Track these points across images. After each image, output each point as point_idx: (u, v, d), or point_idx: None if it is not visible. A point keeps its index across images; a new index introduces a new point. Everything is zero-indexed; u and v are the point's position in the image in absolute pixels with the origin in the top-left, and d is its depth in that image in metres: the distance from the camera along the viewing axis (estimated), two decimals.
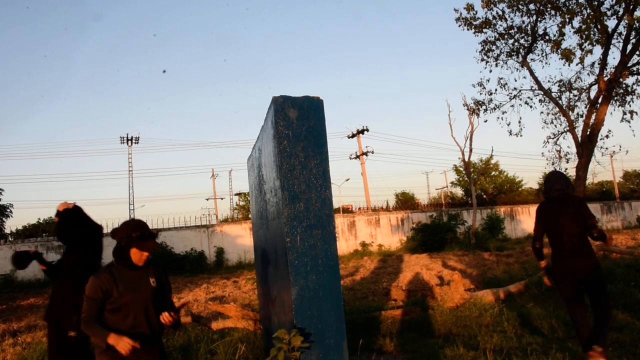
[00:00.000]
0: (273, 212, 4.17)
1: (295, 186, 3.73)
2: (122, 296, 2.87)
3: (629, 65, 9.14)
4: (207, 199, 48.42)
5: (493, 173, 44.35)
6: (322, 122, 3.89)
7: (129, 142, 35.27)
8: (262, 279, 5.82)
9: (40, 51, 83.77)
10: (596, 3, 8.97)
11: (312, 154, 3.81)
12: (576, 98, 10.63)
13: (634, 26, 8.77)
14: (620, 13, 8.90)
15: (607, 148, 10.52)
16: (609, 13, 9.20)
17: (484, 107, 11.31)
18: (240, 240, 24.63)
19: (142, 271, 3.05)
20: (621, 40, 9.20)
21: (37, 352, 5.36)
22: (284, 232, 3.69)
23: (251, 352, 5.10)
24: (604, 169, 53.08)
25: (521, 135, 11.33)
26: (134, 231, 2.96)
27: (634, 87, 10.03)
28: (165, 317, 2.95)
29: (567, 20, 8.47)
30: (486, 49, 10.72)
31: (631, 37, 8.96)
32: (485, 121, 12.89)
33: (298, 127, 3.80)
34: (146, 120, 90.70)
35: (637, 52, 9.10)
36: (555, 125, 11.07)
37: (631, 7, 8.29)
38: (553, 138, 11.06)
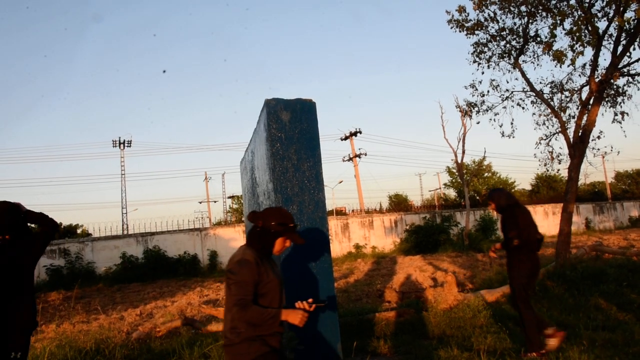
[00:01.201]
0: None
1: (289, 189, 3.72)
2: (271, 281, 2.77)
3: (619, 66, 9.20)
4: (200, 202, 48.33)
5: (486, 174, 44.53)
6: (315, 124, 3.88)
7: (121, 145, 35.12)
8: None
9: (40, 52, 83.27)
10: (587, 5, 9.02)
11: (304, 156, 3.81)
12: (568, 99, 10.68)
13: (625, 27, 8.82)
14: (611, 15, 8.96)
15: (598, 149, 10.58)
16: (599, 15, 9.27)
17: (476, 108, 11.35)
18: (234, 243, 24.56)
19: (272, 260, 2.96)
20: (612, 42, 9.25)
21: (28, 358, 5.28)
22: None
23: None
24: (595, 170, 53.44)
25: (513, 137, 11.41)
26: (291, 221, 2.88)
27: (625, 88, 10.12)
28: (305, 304, 2.88)
29: (558, 22, 8.51)
30: (478, 50, 10.76)
31: (621, 39, 9.01)
32: (478, 123, 12.90)
33: (291, 130, 3.80)
34: (146, 121, 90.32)
35: (628, 54, 9.16)
36: (547, 127, 11.12)
37: (621, 8, 8.34)
38: (545, 139, 11.10)
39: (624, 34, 9.07)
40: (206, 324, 6.65)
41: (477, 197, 42.15)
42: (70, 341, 5.55)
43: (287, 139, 3.82)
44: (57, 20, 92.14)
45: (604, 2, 9.06)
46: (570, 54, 8.79)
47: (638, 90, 9.93)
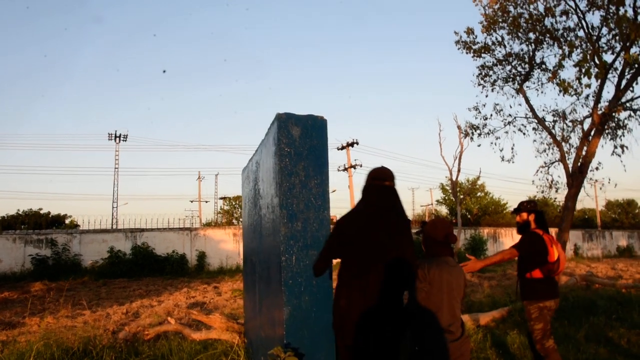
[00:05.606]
0: (268, 228, 4.13)
1: (294, 205, 3.69)
2: None
3: (622, 100, 9.28)
4: (192, 201, 48.09)
5: (479, 194, 44.66)
6: (325, 142, 3.86)
7: (117, 139, 34.96)
8: (250, 291, 5.75)
9: (40, 51, 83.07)
10: (595, 37, 9.11)
11: (312, 173, 3.78)
12: (570, 129, 10.76)
13: (630, 62, 8.91)
14: (618, 48, 9.05)
15: (596, 180, 10.67)
16: (605, 47, 9.36)
17: (478, 131, 11.40)
18: (223, 245, 24.45)
19: None
20: (616, 75, 9.34)
21: (14, 355, 5.19)
22: (279, 250, 3.65)
23: None
24: (587, 196, 53.74)
25: (513, 162, 11.49)
26: None
27: (626, 121, 10.19)
28: None
29: (567, 53, 8.57)
30: (483, 73, 10.83)
31: (626, 73, 9.11)
32: (479, 145, 13.14)
33: (300, 146, 3.77)
34: (145, 119, 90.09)
35: (631, 88, 9.24)
36: (548, 155, 11.18)
37: (627, 44, 8.42)
38: (545, 167, 11.17)
39: (628, 69, 9.16)
40: (196, 330, 6.57)
41: (469, 216, 42.27)
42: (57, 340, 5.47)
43: (296, 155, 3.79)
44: (58, 20, 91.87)
45: (610, 36, 9.16)
46: (576, 85, 8.86)
47: (639, 125, 10.02)
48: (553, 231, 23.16)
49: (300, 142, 3.78)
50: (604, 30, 9.10)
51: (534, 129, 11.09)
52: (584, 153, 9.59)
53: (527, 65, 10.32)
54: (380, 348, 3.30)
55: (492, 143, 11.35)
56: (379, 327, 3.27)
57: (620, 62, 9.24)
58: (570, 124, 10.71)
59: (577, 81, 8.96)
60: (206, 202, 52.42)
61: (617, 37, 8.81)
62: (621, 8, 7.97)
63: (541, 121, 10.50)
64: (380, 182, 3.52)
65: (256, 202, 4.90)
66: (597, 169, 10.55)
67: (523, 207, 4.85)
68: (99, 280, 18.21)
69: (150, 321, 8.90)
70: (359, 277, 3.33)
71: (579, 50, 9.10)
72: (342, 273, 3.50)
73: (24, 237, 21.20)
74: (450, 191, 37.74)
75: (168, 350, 5.63)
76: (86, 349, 5.43)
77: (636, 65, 8.89)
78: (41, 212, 33.11)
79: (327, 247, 3.51)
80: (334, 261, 3.59)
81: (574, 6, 9.09)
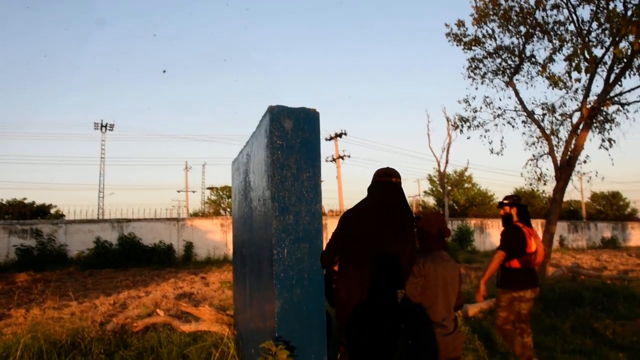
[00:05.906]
0: (260, 221, 4.10)
1: (286, 198, 3.66)
2: None
3: (611, 94, 9.35)
4: (179, 191, 47.72)
5: (466, 185, 44.92)
6: (317, 134, 3.82)
7: (103, 128, 34.58)
8: (240, 283, 5.72)
9: (36, 44, 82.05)
10: (585, 32, 9.15)
11: (304, 166, 3.74)
12: (559, 123, 10.83)
13: (620, 57, 8.96)
14: (607, 43, 9.10)
15: (584, 173, 10.79)
16: (594, 42, 9.41)
17: (467, 123, 11.43)
18: (211, 235, 24.36)
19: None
20: (605, 70, 9.40)
21: (0, 348, 5.10)
22: (271, 243, 3.62)
23: (225, 358, 5.01)
24: (573, 188, 54.42)
25: (502, 155, 11.58)
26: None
27: (614, 115, 10.29)
28: None
29: (558, 47, 8.58)
30: (474, 66, 10.84)
31: (615, 68, 9.16)
32: (468, 138, 13.23)
33: (292, 138, 3.73)
34: (133, 111, 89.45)
35: (619, 83, 9.30)
36: (536, 148, 11.25)
37: (617, 38, 8.46)
38: (533, 159, 11.24)
39: (617, 63, 9.21)
40: (184, 321, 6.54)
41: (456, 207, 42.54)
42: (45, 332, 5.41)
43: (288, 148, 3.75)
44: (58, 19, 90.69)
45: (600, 30, 9.20)
46: (566, 79, 8.89)
47: (627, 119, 10.10)
48: (540, 223, 23.40)
49: (292, 135, 3.74)
50: (594, 24, 9.17)
51: (523, 122, 11.15)
52: (572, 146, 9.65)
53: (517, 59, 10.35)
54: (375, 343, 3.31)
55: (481, 135, 11.39)
56: (374, 322, 3.29)
57: (609, 57, 9.28)
58: (559, 117, 10.80)
59: (567, 75, 8.99)
60: (193, 192, 52.06)
61: (607, 32, 8.85)
62: (611, 2, 8.03)
63: (530, 114, 10.56)
64: (388, 179, 3.59)
65: (247, 194, 4.86)
66: (585, 162, 10.67)
67: (506, 201, 5.22)
68: (85, 271, 18.06)
69: (138, 312, 8.85)
70: (359, 270, 3.37)
71: (569, 44, 9.15)
72: (342, 263, 3.53)
73: (8, 227, 20.93)
74: (437, 182, 37.95)
75: (157, 342, 5.59)
76: (74, 341, 5.37)
77: (625, 60, 8.94)
78: (25, 201, 32.70)
79: (333, 240, 3.54)
80: None
81: (564, 0, 9.14)
